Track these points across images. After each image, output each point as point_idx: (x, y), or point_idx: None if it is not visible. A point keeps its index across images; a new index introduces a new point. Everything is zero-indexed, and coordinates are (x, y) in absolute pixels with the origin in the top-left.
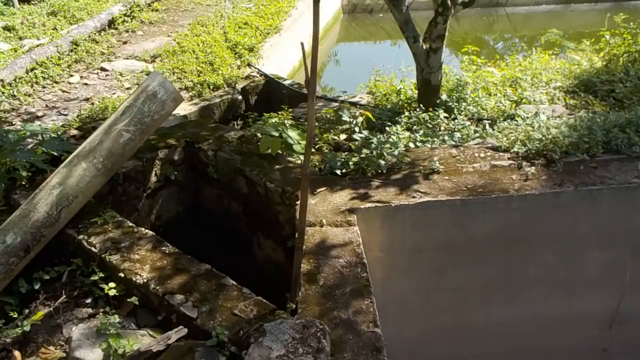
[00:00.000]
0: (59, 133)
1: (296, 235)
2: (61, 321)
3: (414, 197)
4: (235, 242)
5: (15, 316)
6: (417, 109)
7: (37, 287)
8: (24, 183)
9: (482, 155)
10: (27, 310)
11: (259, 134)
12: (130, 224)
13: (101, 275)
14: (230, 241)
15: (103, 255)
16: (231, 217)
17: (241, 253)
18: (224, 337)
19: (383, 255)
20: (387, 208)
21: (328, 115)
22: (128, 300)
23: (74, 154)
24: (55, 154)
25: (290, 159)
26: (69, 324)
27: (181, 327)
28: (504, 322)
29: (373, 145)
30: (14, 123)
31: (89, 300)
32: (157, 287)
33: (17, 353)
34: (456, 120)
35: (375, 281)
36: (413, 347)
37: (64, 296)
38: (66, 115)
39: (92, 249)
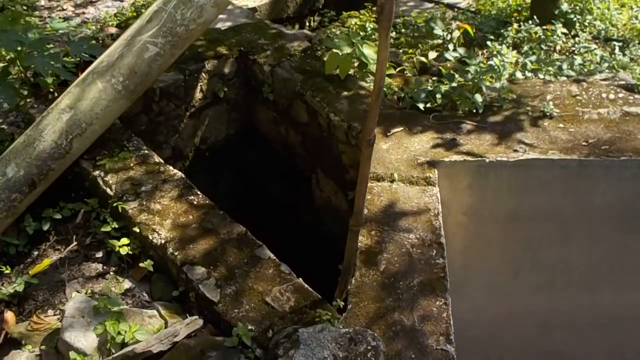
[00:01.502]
0: (93, 31)
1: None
2: (65, 277)
3: (516, 150)
4: (291, 175)
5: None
6: (529, 21)
7: (46, 227)
8: (51, 90)
9: (611, 96)
10: (35, 252)
11: (326, 47)
12: (157, 160)
13: (115, 225)
14: (287, 173)
15: (116, 204)
16: (289, 147)
17: (297, 189)
18: (247, 339)
19: (467, 220)
20: (479, 164)
21: (417, 24)
22: (141, 265)
23: (89, 68)
24: (85, 58)
25: (363, 83)
26: (73, 282)
27: (195, 318)
28: (611, 314)
29: (469, 75)
30: (64, 8)
31: (100, 254)
32: (176, 253)
33: (9, 315)
34: (577, 39)
35: (453, 252)
36: (493, 332)
37: (75, 243)
38: (123, 1)
39: (108, 190)
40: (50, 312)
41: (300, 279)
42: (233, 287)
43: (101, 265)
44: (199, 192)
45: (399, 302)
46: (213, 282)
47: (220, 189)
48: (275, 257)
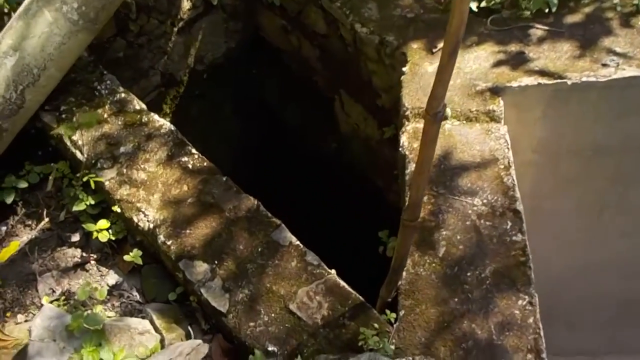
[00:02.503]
0: None
1: (404, 205)
2: (37, 267)
3: (605, 64)
4: (309, 96)
5: None
6: None
7: (10, 200)
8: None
9: None
10: (3, 228)
11: None
12: (138, 106)
13: (90, 202)
14: (304, 94)
15: (87, 177)
16: (303, 62)
17: (318, 112)
18: None
19: (537, 158)
20: (557, 88)
21: None
22: (126, 258)
23: None
24: None
25: None
26: (46, 275)
27: (198, 344)
28: None
29: None
30: None
31: (77, 237)
32: (169, 243)
33: None
34: None
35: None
36: (564, 284)
37: (47, 220)
38: None
39: (78, 153)
40: (20, 317)
41: (334, 272)
42: (246, 289)
43: (79, 250)
44: (193, 150)
45: (467, 304)
46: (219, 283)
47: (225, 114)
48: (298, 242)
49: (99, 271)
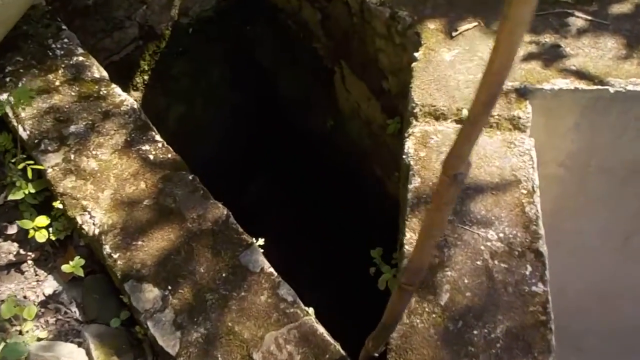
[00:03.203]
0: None
1: (401, 264)
2: None
3: None
4: (308, 63)
5: None
6: None
7: None
8: None
9: None
10: None
11: None
12: (98, 75)
13: (31, 190)
14: (302, 59)
15: (24, 164)
16: (303, 25)
17: (316, 82)
18: None
19: (564, 172)
20: (596, 95)
21: None
22: (64, 268)
23: None
24: None
25: None
26: None
27: None
28: None
29: None
30: None
31: (13, 230)
32: (116, 256)
33: None
34: None
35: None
36: (582, 309)
37: None
38: None
39: (20, 128)
40: None
41: (312, 311)
42: (202, 328)
43: (16, 245)
44: (157, 137)
45: None
46: (171, 316)
47: (212, 75)
48: (271, 269)
49: (36, 274)
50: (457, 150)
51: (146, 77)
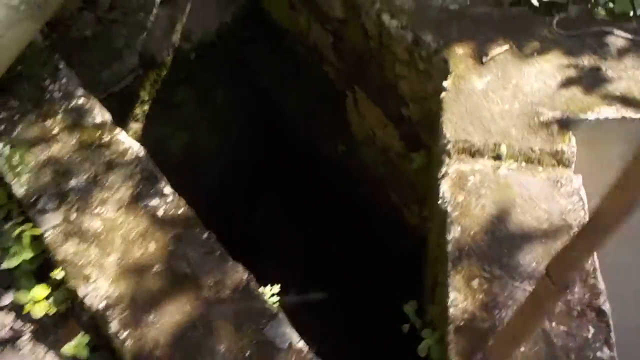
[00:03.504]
0: None
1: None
2: None
3: None
4: (317, 87)
5: None
6: None
7: None
8: None
9: None
10: None
11: None
12: (100, 119)
13: (28, 255)
14: (310, 83)
15: (20, 229)
16: (312, 47)
17: (325, 103)
18: None
19: None
20: None
21: None
22: (65, 350)
23: None
24: None
25: None
26: None
27: None
28: None
29: None
30: None
31: (8, 299)
32: (124, 333)
33: None
34: None
35: None
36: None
37: None
38: None
39: (16, 183)
40: None
41: None
42: None
43: (12, 317)
44: (166, 189)
45: None
46: None
47: (216, 102)
48: (301, 343)
49: (34, 352)
50: (573, 258)
51: (146, 108)
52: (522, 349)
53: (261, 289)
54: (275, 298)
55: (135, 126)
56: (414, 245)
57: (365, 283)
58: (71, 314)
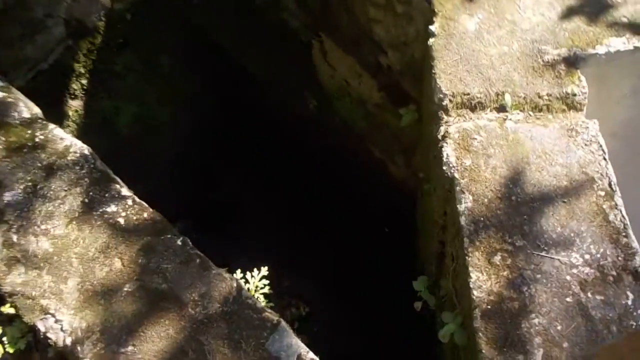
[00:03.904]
0: None
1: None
2: None
3: None
4: (276, 38)
5: None
6: None
7: None
8: None
9: None
10: None
11: None
12: (28, 113)
13: None
14: (267, 33)
15: None
16: None
17: (288, 56)
18: None
19: (614, 143)
20: None
21: None
22: None
23: None
24: None
25: None
26: None
27: None
28: None
29: None
30: None
31: None
32: None
33: None
34: None
35: None
36: None
37: None
38: None
39: None
40: None
41: None
42: None
43: None
44: (124, 190)
45: None
46: None
47: (163, 67)
48: (309, 354)
49: None
50: None
51: (84, 81)
52: (559, 327)
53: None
54: (265, 282)
55: (75, 104)
56: (401, 199)
57: (352, 243)
58: (35, 348)
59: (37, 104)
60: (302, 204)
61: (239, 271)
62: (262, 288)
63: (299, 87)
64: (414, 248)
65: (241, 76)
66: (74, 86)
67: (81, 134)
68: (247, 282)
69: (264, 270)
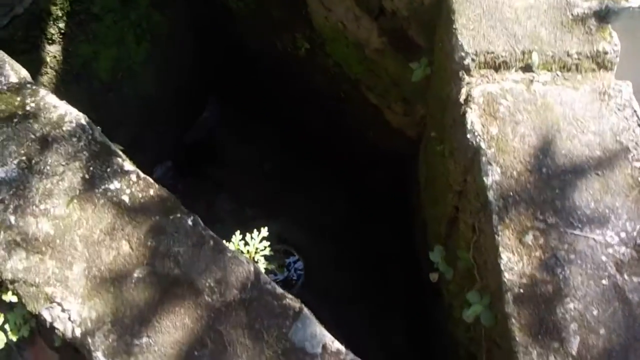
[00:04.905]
0: None
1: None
2: None
3: None
4: None
5: None
6: None
7: None
8: None
9: None
10: None
11: None
12: (16, 78)
13: None
14: None
15: None
16: None
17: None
18: None
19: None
20: None
21: None
22: None
23: None
24: None
25: None
26: None
27: None
28: None
29: None
30: None
31: None
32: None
33: None
34: None
35: None
36: None
37: None
38: None
39: None
40: None
41: None
42: None
43: None
44: (127, 165)
45: None
46: None
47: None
48: (335, 344)
49: None
50: None
51: (62, 25)
52: (595, 312)
53: (248, 237)
54: (266, 243)
55: (53, 49)
56: (397, 146)
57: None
58: (40, 335)
59: (14, 52)
60: (287, 145)
61: (237, 232)
62: (262, 250)
63: (287, 29)
64: (411, 199)
65: (220, 13)
66: (52, 30)
67: (60, 82)
68: (246, 244)
69: (264, 231)
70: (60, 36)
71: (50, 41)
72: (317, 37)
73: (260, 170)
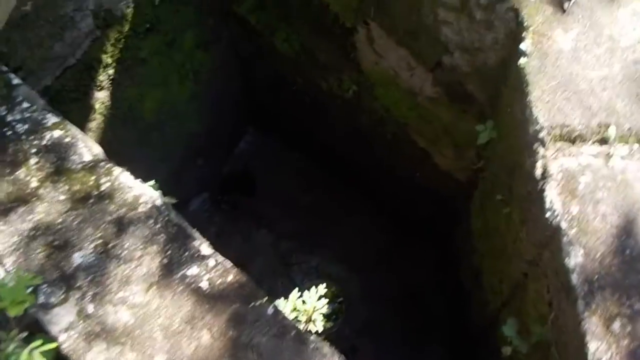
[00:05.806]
0: None
1: None
2: None
3: None
4: (313, 16)
5: None
6: None
7: None
8: None
9: None
10: None
11: None
12: (89, 156)
13: None
14: (304, 12)
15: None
16: None
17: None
18: None
19: None
20: None
21: None
22: None
23: None
24: None
25: None
26: None
27: None
28: None
29: None
30: None
31: None
32: None
33: None
34: None
35: None
36: None
37: None
38: None
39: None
40: None
41: None
42: None
43: None
44: (204, 248)
45: None
46: None
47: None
48: None
49: None
50: None
51: (111, 72)
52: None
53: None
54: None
55: (102, 96)
56: (444, 188)
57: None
58: None
59: (64, 101)
60: (325, 179)
61: (296, 290)
62: (319, 309)
63: (334, 70)
64: (456, 240)
65: (269, 54)
66: (101, 78)
67: (108, 125)
68: (304, 302)
69: (322, 289)
70: (109, 82)
71: (99, 88)
72: (365, 80)
73: (298, 204)
